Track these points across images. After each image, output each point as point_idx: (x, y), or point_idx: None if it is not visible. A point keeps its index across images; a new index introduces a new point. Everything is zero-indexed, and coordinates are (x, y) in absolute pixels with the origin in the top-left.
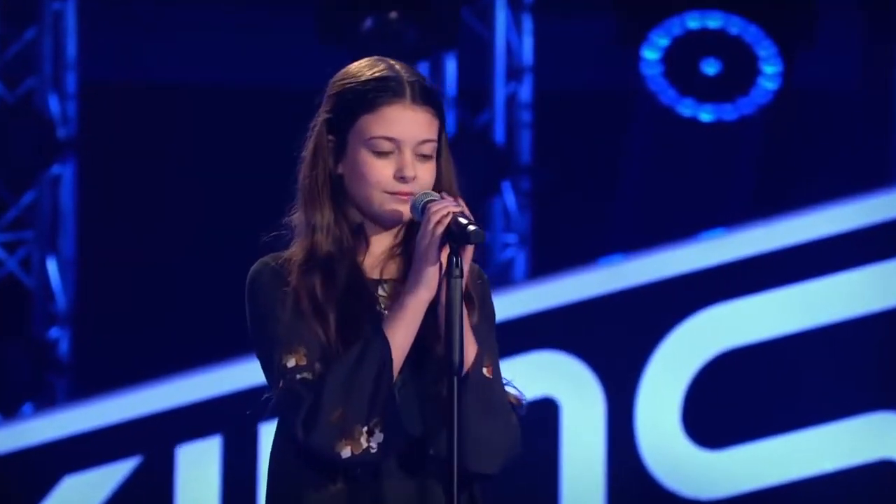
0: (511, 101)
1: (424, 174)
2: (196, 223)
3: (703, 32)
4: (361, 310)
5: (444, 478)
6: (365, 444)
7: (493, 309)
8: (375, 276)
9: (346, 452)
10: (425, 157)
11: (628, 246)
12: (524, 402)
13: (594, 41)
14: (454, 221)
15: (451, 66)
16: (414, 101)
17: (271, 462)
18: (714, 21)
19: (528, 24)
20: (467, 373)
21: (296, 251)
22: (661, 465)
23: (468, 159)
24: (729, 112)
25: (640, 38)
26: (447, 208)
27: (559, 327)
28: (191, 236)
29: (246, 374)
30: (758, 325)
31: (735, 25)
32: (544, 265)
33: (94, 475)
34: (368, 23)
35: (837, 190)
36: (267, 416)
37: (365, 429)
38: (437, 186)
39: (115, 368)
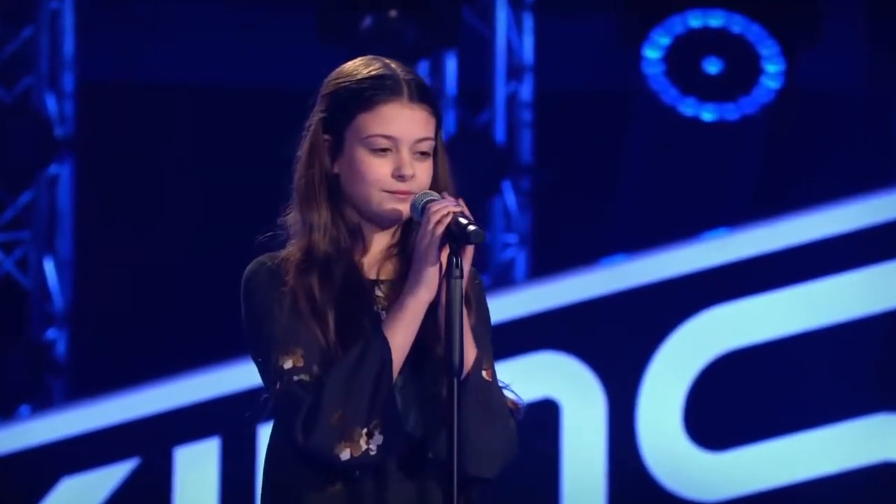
0: (512, 100)
1: (422, 173)
2: (194, 223)
3: (705, 31)
4: (359, 310)
5: (443, 480)
6: (364, 447)
7: (488, 311)
8: (373, 276)
9: (345, 455)
10: (423, 156)
11: (629, 246)
12: (522, 406)
13: (595, 40)
14: (454, 221)
15: (451, 66)
16: (411, 99)
17: (267, 463)
18: (716, 20)
19: (528, 22)
20: (467, 375)
21: (292, 251)
22: (662, 467)
23: (468, 159)
24: (731, 111)
25: (641, 37)
26: (447, 208)
27: (560, 328)
28: (189, 236)
29: (244, 375)
30: (760, 325)
31: (737, 24)
32: (545, 265)
33: (92, 477)
34: (368, 22)
35: (840, 190)
36: (265, 418)
37: (364, 431)
38: (434, 185)
39: (113, 369)
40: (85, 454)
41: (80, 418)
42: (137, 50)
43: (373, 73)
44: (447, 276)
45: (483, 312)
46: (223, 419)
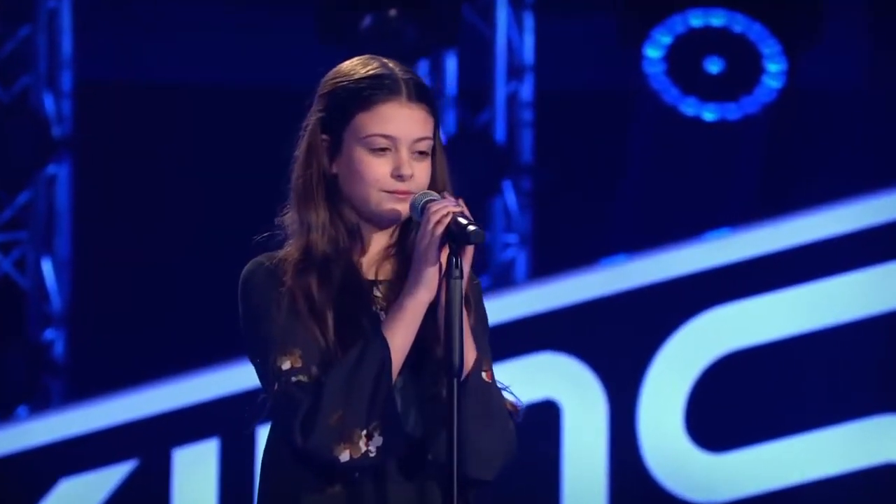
0: (512, 99)
1: (421, 172)
2: (193, 224)
3: (707, 30)
4: (358, 311)
5: (443, 481)
6: (364, 448)
7: (486, 313)
8: (371, 276)
9: (344, 456)
10: (422, 155)
11: (631, 246)
12: (521, 408)
13: (596, 39)
14: (454, 221)
15: (451, 65)
16: (409, 98)
17: (265, 464)
18: (717, 19)
19: (529, 22)
20: (467, 377)
21: (290, 251)
22: (663, 469)
23: (468, 159)
24: (732, 111)
25: (642, 37)
26: (447, 208)
27: (561, 328)
28: (188, 237)
29: (243, 376)
30: (762, 326)
31: (739, 23)
32: (545, 266)
33: (91, 478)
34: (368, 21)
35: (842, 190)
36: (263, 419)
37: (364, 432)
38: (433, 184)
39: (112, 370)
40: (83, 455)
41: (79, 419)
42: (136, 49)
43: (371, 72)
44: (447, 276)
45: (481, 313)
46: (222, 420)
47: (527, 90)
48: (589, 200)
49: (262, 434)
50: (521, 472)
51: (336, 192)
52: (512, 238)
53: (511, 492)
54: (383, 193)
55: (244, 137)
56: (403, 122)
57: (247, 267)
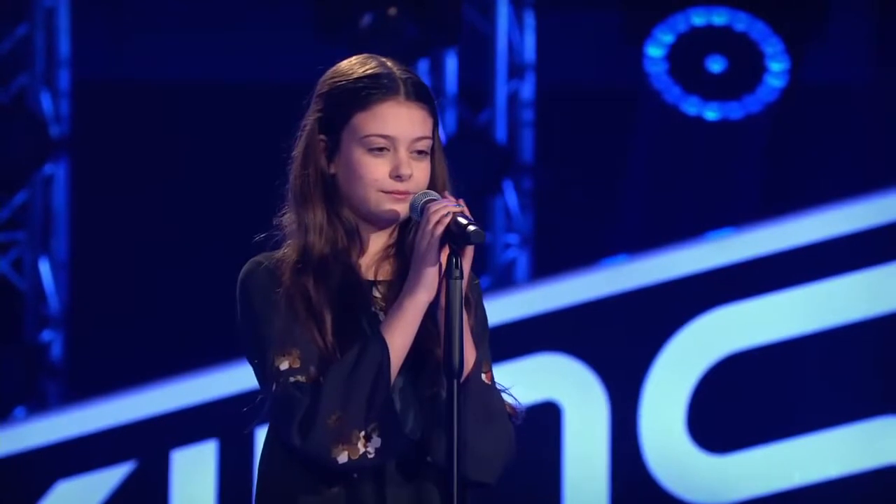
0: (513, 99)
1: (420, 172)
2: (192, 224)
3: (709, 29)
4: (357, 311)
5: (442, 483)
6: (362, 449)
7: (486, 315)
8: (370, 276)
9: (342, 458)
10: (421, 155)
11: (632, 246)
12: (521, 411)
13: (597, 38)
14: (454, 221)
15: (451, 64)
16: (408, 97)
17: (263, 465)
18: (720, 17)
19: (529, 20)
20: (467, 378)
21: (288, 252)
22: (665, 470)
23: (469, 158)
24: (735, 110)
25: (644, 35)
26: (447, 208)
27: (562, 329)
28: (186, 237)
29: (242, 377)
30: (765, 327)
31: (741, 22)
32: (547, 266)
33: (88, 480)
34: (367, 19)
35: (847, 189)
36: (262, 420)
37: (362, 433)
38: (433, 184)
39: (109, 372)
40: (81, 457)
41: (76, 421)
42: (133, 49)
43: (369, 71)
44: (447, 276)
45: (481, 315)
46: (220, 422)
47: (528, 89)
48: (590, 200)
49: (261, 435)
50: (521, 474)
51: (334, 193)
52: (513, 238)
53: (512, 494)
54: (382, 194)
55: (243, 137)
56: (402, 121)
57: (245, 267)
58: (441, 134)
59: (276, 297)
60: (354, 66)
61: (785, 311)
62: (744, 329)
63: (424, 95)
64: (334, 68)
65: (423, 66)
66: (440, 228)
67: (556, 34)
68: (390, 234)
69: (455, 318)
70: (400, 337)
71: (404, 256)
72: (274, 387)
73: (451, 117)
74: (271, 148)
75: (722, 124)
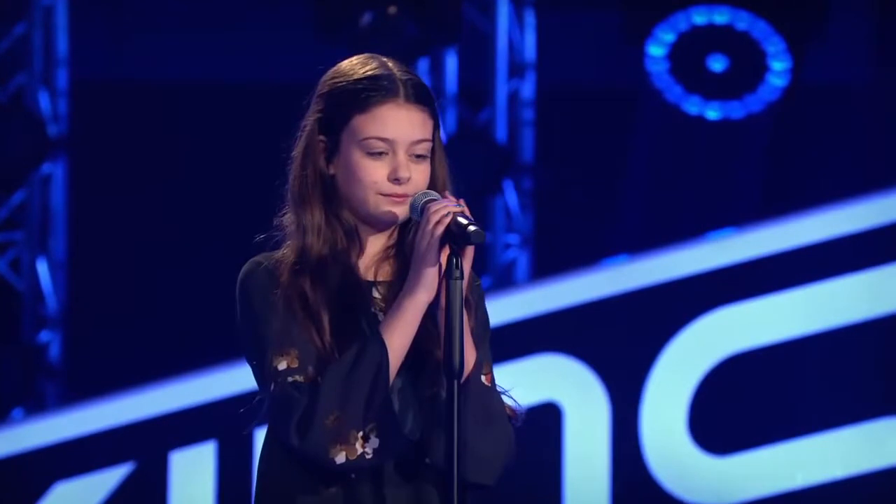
0: (513, 98)
1: (419, 175)
2: (191, 224)
3: (710, 28)
4: (355, 311)
5: (441, 484)
6: (360, 450)
7: (487, 316)
8: (370, 277)
9: (340, 458)
10: (420, 158)
11: (633, 247)
12: (521, 413)
13: (598, 37)
14: (454, 221)
15: (451, 63)
16: (407, 100)
17: (262, 466)
18: (721, 16)
19: (530, 19)
20: (467, 379)
21: (287, 252)
22: (666, 472)
23: (469, 158)
24: (736, 110)
25: (645, 34)
26: (447, 208)
27: (562, 330)
28: (185, 237)
29: (241, 379)
30: (766, 327)
31: (743, 20)
32: (547, 266)
33: (86, 482)
34: (367, 18)
35: (849, 189)
36: (259, 421)
37: (360, 434)
38: (433, 187)
39: (108, 372)
40: (79, 458)
41: (74, 422)
42: (132, 48)
43: (369, 73)
44: (447, 276)
45: (483, 316)
46: (219, 423)
47: (528, 88)
48: (591, 200)
49: (260, 436)
50: (522, 475)
51: (334, 193)
52: (513, 238)
53: (512, 495)
54: (380, 196)
55: (243, 137)
56: (401, 124)
57: (245, 267)
58: (441, 134)
59: (275, 297)
60: (355, 66)
61: (787, 312)
62: (745, 330)
63: (425, 97)
64: (335, 68)
65: (422, 66)
66: (440, 228)
67: (557, 33)
68: (390, 235)
69: (455, 318)
70: (399, 337)
71: (404, 257)
72: (272, 387)
73: (451, 117)
74: (271, 148)
75: (723, 124)
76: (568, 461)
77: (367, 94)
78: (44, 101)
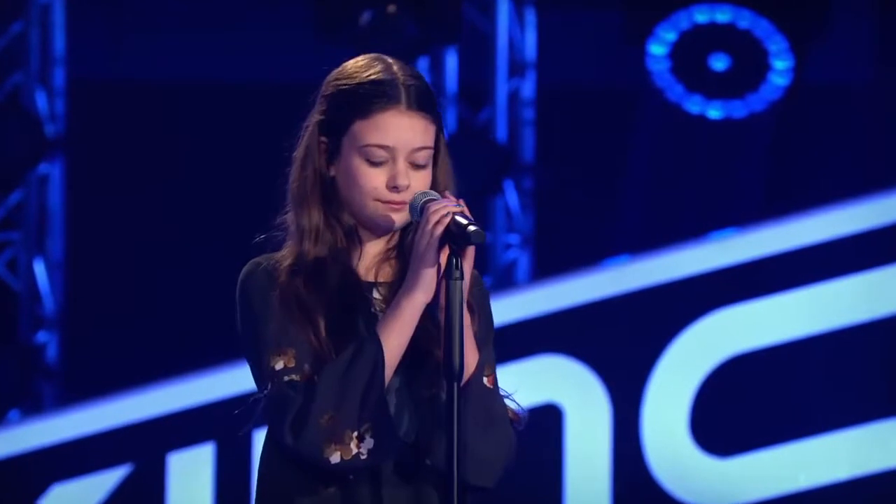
0: (513, 97)
1: (418, 183)
2: (189, 224)
3: (712, 27)
4: (353, 312)
5: (440, 486)
6: (355, 450)
7: (492, 319)
8: (370, 278)
9: (335, 458)
10: (419, 166)
11: (634, 247)
12: (523, 417)
13: (599, 36)
14: (454, 221)
15: (451, 62)
16: (409, 107)
17: (262, 466)
18: (723, 15)
19: (530, 17)
20: (468, 381)
21: (287, 253)
22: (668, 473)
23: (469, 157)
24: (738, 109)
25: (646, 33)
26: (446, 208)
27: (563, 331)
28: (183, 238)
29: (239, 379)
30: (769, 328)
31: (745, 19)
32: (548, 266)
33: (84, 483)
34: (366, 17)
35: (851, 189)
36: (256, 420)
37: (355, 434)
38: (434, 191)
39: (105, 373)
40: (76, 460)
41: (72, 423)
42: (130, 47)
43: (372, 77)
44: (446, 277)
45: (487, 318)
46: (217, 424)
47: (528, 88)
48: (592, 200)
49: (259, 438)
50: (522, 477)
51: (334, 195)
52: (513, 238)
53: (512, 497)
54: (378, 203)
55: (242, 137)
56: (401, 132)
57: (245, 268)
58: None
59: (273, 298)
60: (360, 68)
61: (789, 313)
62: (747, 330)
63: (427, 104)
64: (340, 68)
65: (422, 65)
66: (440, 229)
67: (557, 32)
68: (391, 236)
69: (455, 319)
70: (396, 337)
71: (406, 258)
72: (269, 386)
73: (451, 116)
74: (270, 148)
75: (725, 123)
76: (569, 463)
77: (369, 100)
78: (41, 100)
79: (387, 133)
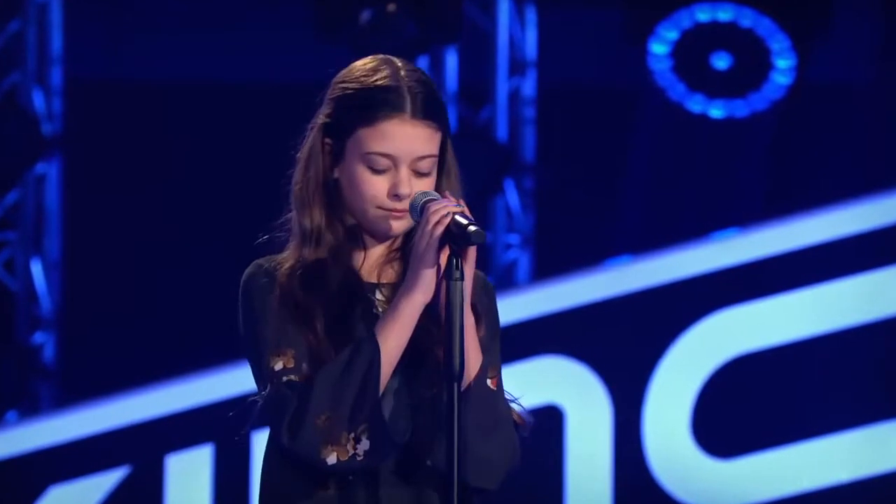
0: (514, 96)
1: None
2: (186, 224)
3: (714, 25)
4: (353, 313)
5: (442, 487)
6: (351, 451)
7: (498, 321)
8: (373, 279)
9: (331, 459)
10: (422, 174)
11: (636, 247)
12: (529, 422)
13: (600, 35)
14: (454, 222)
15: (451, 61)
16: (414, 115)
17: (263, 467)
18: (725, 13)
19: (531, 16)
20: (471, 383)
21: (289, 254)
22: (669, 475)
23: (469, 157)
24: (740, 108)
25: (647, 32)
26: (446, 208)
27: (564, 331)
28: (181, 238)
29: (238, 381)
30: (770, 329)
31: (747, 18)
32: (548, 267)
33: (81, 485)
34: (366, 16)
35: (853, 189)
36: (254, 422)
37: (351, 435)
38: None
39: (103, 374)
40: (73, 462)
41: (69, 425)
42: (127, 46)
43: (378, 82)
44: (447, 277)
45: (493, 319)
46: (216, 426)
47: (529, 87)
48: (593, 200)
49: (258, 440)
50: (523, 478)
51: (337, 196)
52: (514, 238)
53: (513, 499)
54: (379, 210)
55: (242, 137)
56: (405, 140)
57: (247, 269)
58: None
59: (273, 299)
60: (367, 72)
61: (792, 313)
62: (749, 331)
63: (432, 112)
64: (347, 70)
65: (422, 64)
66: (440, 229)
67: (558, 31)
68: (395, 238)
69: (455, 320)
70: (394, 338)
71: (408, 259)
72: (268, 387)
73: (451, 115)
74: (270, 148)
75: (727, 122)
76: (570, 464)
77: (374, 107)
78: (38, 99)
79: (389, 141)
